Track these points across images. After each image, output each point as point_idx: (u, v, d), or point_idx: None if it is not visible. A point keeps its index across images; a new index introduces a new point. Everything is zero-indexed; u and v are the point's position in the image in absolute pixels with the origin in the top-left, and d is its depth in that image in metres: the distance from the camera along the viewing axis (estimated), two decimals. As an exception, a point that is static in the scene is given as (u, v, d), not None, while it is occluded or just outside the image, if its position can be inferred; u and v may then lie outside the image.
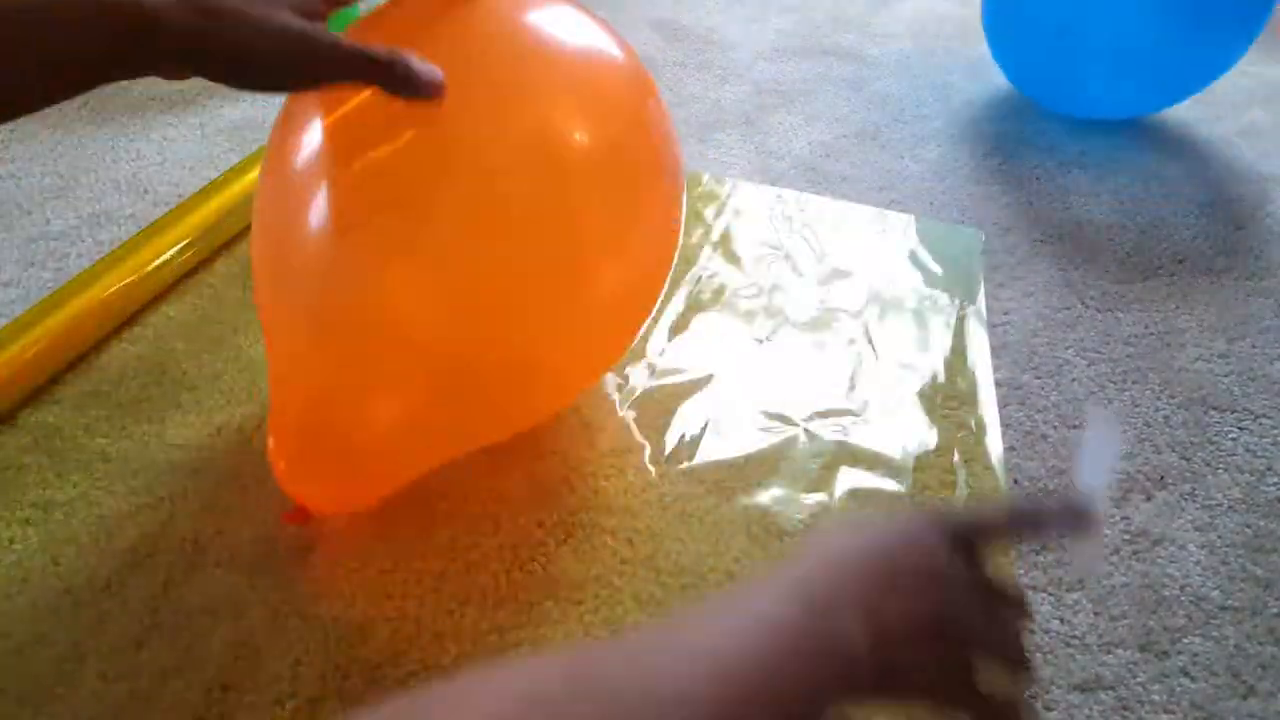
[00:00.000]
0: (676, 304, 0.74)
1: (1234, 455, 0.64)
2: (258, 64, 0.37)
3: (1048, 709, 0.49)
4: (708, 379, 0.67)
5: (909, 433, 0.63)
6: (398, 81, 0.41)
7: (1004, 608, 0.32)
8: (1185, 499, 0.60)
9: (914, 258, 0.81)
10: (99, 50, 0.36)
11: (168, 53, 0.36)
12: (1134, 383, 0.69)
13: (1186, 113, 1.06)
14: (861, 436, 0.63)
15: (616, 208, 0.49)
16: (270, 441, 0.48)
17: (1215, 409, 0.67)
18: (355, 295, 0.45)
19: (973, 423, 0.64)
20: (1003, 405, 0.66)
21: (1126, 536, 0.58)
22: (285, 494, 0.49)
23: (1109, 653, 0.52)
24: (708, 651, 0.26)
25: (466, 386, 0.47)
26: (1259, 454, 0.64)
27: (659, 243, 0.54)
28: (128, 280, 0.68)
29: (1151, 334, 0.73)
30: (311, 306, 0.46)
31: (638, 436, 0.62)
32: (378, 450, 0.48)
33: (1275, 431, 0.65)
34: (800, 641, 0.27)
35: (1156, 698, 0.50)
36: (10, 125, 0.93)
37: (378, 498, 0.52)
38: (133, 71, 0.37)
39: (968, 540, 0.32)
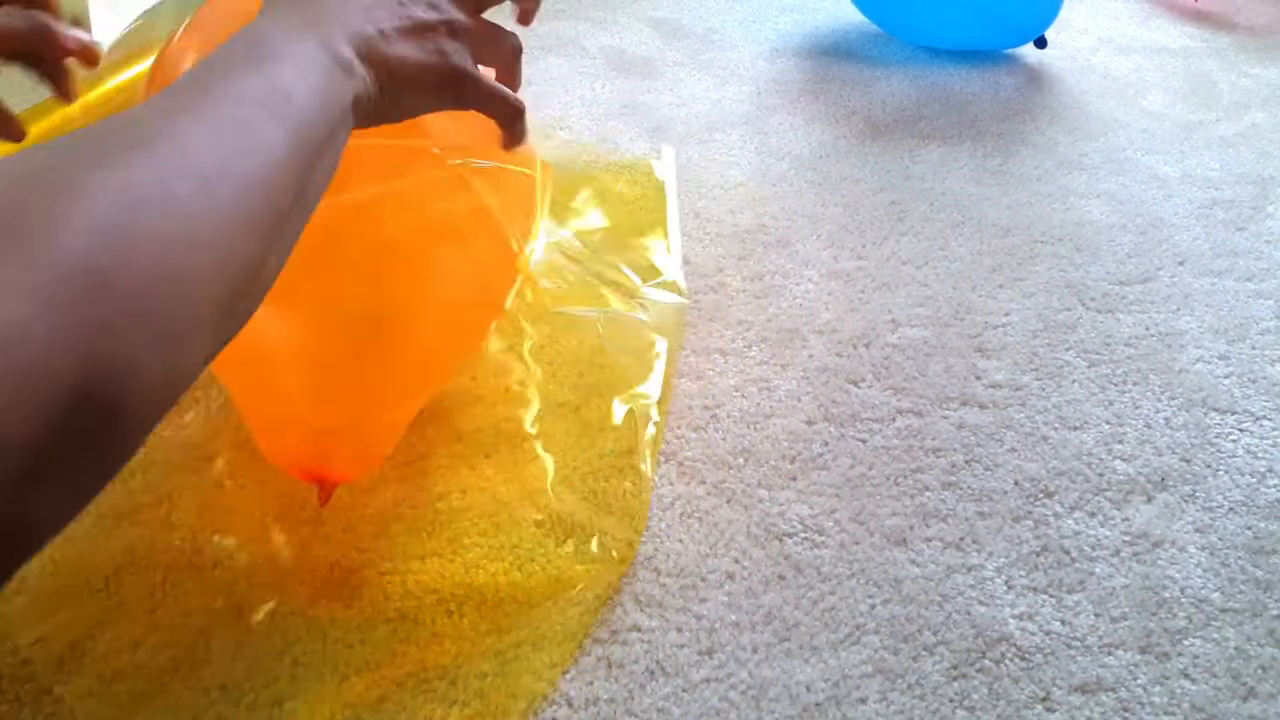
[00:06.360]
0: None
1: (1234, 457, 0.64)
2: (419, 107, 0.39)
3: (1049, 711, 0.49)
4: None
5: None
6: (516, 131, 0.43)
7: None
8: (1186, 501, 0.60)
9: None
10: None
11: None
12: (1134, 384, 0.69)
13: (1188, 115, 1.06)
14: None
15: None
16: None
17: (1216, 411, 0.67)
18: None
19: None
20: (1003, 407, 0.66)
21: (1127, 538, 0.58)
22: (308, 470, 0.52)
23: (1110, 654, 0.52)
24: None
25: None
26: (1259, 456, 0.64)
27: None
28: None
29: (1152, 335, 0.73)
30: None
31: (637, 436, 0.62)
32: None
33: (1276, 433, 0.65)
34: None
35: (1157, 699, 0.50)
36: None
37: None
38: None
39: None
